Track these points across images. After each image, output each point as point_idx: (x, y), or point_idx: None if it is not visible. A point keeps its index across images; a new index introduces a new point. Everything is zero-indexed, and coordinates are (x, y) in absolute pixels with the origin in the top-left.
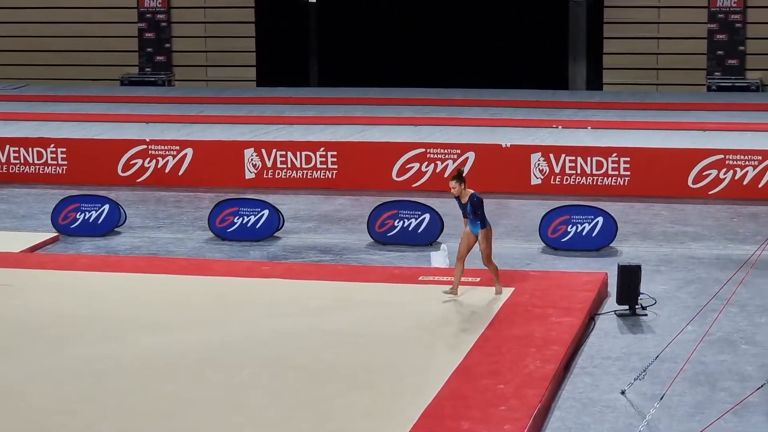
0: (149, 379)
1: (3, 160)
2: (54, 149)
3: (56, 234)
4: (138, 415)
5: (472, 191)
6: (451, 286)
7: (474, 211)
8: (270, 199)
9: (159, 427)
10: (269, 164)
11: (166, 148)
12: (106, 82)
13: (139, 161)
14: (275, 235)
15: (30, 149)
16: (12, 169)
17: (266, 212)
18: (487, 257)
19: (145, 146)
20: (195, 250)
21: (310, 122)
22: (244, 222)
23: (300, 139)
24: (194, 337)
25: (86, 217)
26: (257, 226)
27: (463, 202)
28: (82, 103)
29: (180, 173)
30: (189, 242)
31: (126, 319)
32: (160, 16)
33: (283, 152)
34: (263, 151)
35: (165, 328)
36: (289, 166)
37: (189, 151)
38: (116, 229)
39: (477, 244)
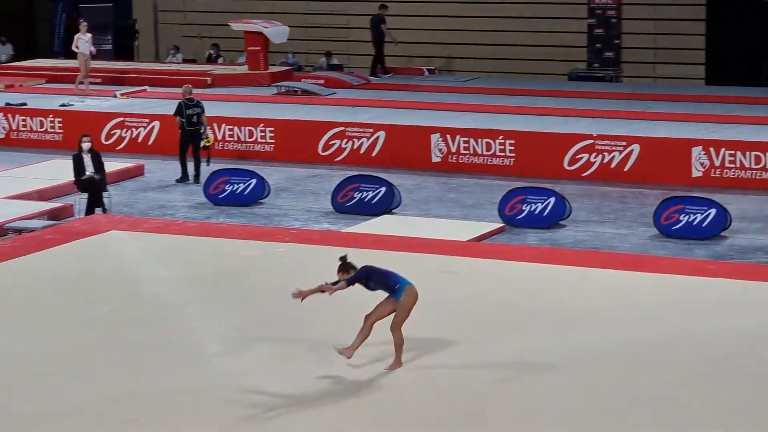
0: (586, 373)
1: (453, 150)
2: (502, 141)
3: (502, 224)
4: (582, 408)
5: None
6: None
7: (368, 285)
8: (717, 198)
9: (595, 421)
10: (717, 163)
11: (612, 143)
12: (554, 76)
13: (586, 156)
14: (721, 234)
15: (479, 140)
16: (461, 158)
17: (713, 211)
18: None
19: (592, 141)
20: (639, 246)
21: (760, 122)
22: (690, 220)
23: (749, 139)
24: (633, 333)
25: (532, 209)
26: (703, 225)
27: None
28: (530, 96)
29: (625, 169)
30: (633, 238)
31: (568, 311)
32: (611, 12)
33: (732, 152)
34: (711, 149)
35: (605, 323)
36: (738, 165)
37: (635, 147)
38: (561, 222)
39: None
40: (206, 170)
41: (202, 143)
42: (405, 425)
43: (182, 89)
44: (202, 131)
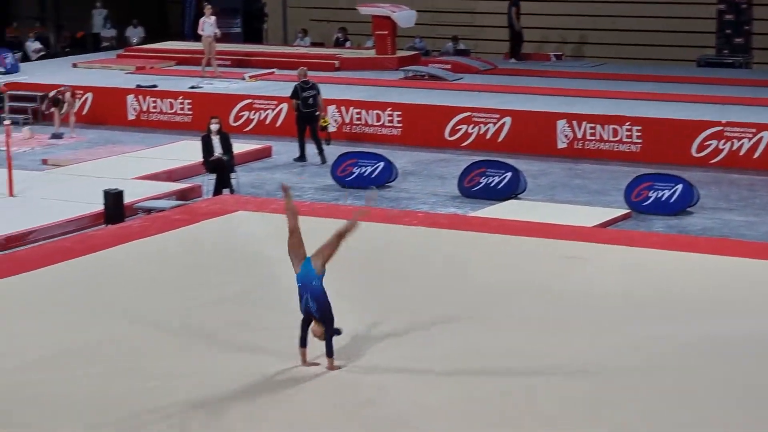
0: (710, 363)
1: (579, 136)
2: (629, 127)
3: (628, 211)
4: (707, 398)
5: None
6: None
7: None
8: None
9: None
10: None
11: (741, 130)
12: (683, 62)
13: (714, 142)
14: None
15: (605, 126)
16: (587, 145)
17: None
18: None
19: (720, 128)
20: (767, 234)
21: None
22: None
23: None
24: (762, 323)
25: (659, 196)
26: None
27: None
28: (658, 82)
29: (755, 156)
30: (762, 226)
31: (691, 301)
32: None
33: None
34: None
35: (734, 312)
36: None
37: (765, 135)
38: (688, 209)
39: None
40: (329, 150)
41: (321, 124)
42: (523, 416)
43: (297, 72)
44: (317, 113)
